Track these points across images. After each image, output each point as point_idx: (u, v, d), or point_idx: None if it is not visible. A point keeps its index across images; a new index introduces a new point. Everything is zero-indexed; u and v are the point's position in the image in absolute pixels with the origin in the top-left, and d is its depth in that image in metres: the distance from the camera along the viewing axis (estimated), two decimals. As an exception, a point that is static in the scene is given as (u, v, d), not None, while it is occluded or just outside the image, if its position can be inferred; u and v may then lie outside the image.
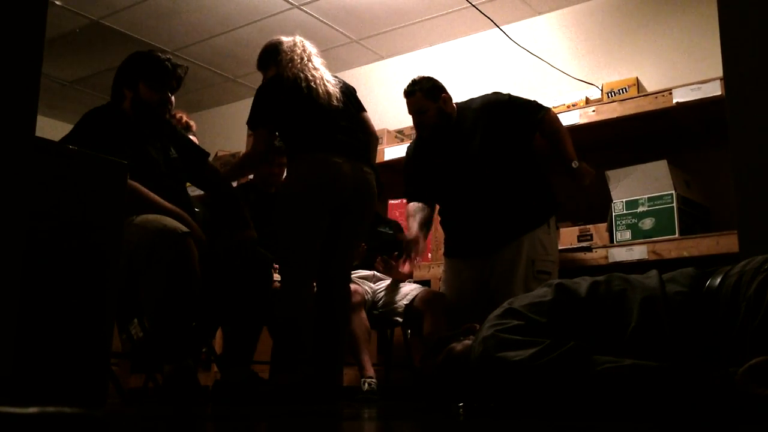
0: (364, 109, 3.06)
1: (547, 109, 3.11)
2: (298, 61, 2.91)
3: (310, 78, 2.87)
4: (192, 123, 3.81)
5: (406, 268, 3.54)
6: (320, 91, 2.85)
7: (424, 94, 3.11)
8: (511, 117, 3.08)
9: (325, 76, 2.93)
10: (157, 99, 2.66)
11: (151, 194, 2.49)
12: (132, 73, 2.67)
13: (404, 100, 3.18)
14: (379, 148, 4.20)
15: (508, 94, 3.16)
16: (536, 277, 2.91)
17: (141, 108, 2.66)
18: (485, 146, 3.05)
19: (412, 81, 3.17)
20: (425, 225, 3.23)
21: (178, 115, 3.60)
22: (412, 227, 3.18)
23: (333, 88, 2.90)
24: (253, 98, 2.98)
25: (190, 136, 3.36)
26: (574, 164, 2.99)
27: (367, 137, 2.99)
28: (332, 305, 2.81)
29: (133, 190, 2.42)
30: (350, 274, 2.98)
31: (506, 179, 3.03)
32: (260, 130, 2.91)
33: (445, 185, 3.17)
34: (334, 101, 2.86)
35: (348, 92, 3.00)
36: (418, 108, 3.12)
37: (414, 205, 3.26)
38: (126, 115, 2.64)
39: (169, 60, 2.71)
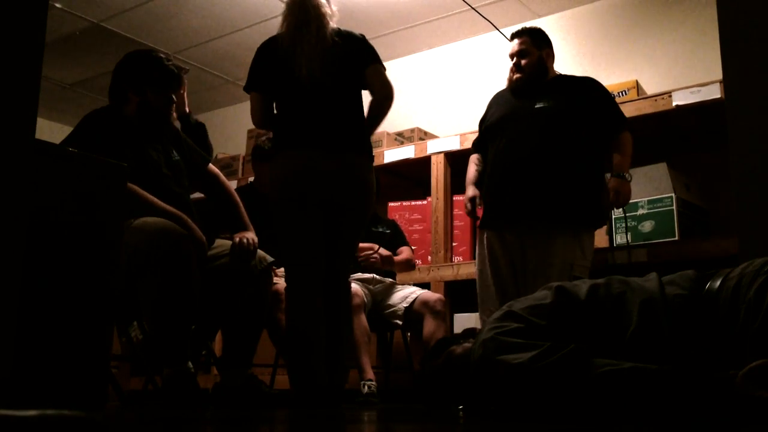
0: (373, 62, 2.71)
1: (625, 128, 3.01)
2: (292, 25, 2.70)
3: (298, 52, 2.65)
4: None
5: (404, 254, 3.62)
6: (304, 66, 2.63)
7: (531, 39, 3.10)
8: (598, 112, 2.99)
9: (321, 42, 2.65)
10: (164, 102, 2.68)
11: (150, 196, 2.49)
12: (138, 77, 2.66)
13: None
14: (378, 150, 4.21)
15: (606, 90, 3.09)
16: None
17: (149, 112, 2.67)
18: (568, 117, 2.94)
19: (523, 27, 3.19)
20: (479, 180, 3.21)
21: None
22: (469, 182, 3.20)
23: (321, 59, 2.64)
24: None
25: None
26: (624, 176, 2.92)
27: (374, 105, 2.74)
28: (334, 307, 2.73)
29: (132, 192, 2.42)
30: (349, 273, 2.84)
31: (570, 160, 2.90)
32: (251, 94, 2.79)
33: (506, 138, 3.01)
34: (318, 73, 2.63)
35: (347, 52, 2.69)
36: (522, 49, 3.08)
37: (475, 157, 3.27)
38: (126, 118, 2.63)
39: (170, 62, 2.72)
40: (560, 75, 3.17)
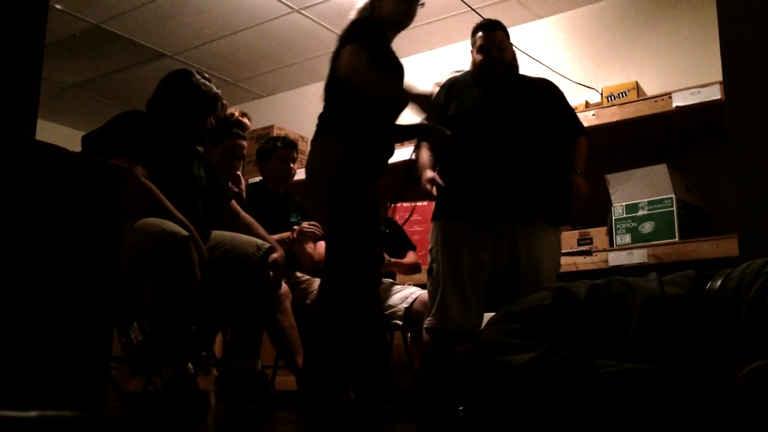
0: (346, 44, 2.58)
1: (583, 135, 2.99)
2: None
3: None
4: (245, 120, 3.66)
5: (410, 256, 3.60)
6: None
7: (504, 33, 3.00)
8: (560, 117, 2.97)
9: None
10: (200, 123, 2.78)
11: (164, 199, 2.52)
12: (177, 96, 2.73)
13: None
14: (378, 151, 4.20)
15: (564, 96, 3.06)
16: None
17: (195, 132, 2.77)
18: (543, 116, 2.89)
19: (490, 20, 3.03)
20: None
21: (230, 112, 3.47)
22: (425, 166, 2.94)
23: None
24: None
25: (241, 141, 3.43)
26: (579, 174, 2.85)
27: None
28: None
29: (149, 191, 2.47)
30: (342, 275, 2.53)
31: (551, 157, 2.86)
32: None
33: (489, 130, 2.85)
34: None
35: (340, 39, 2.65)
36: (500, 42, 2.95)
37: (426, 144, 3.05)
38: (158, 125, 2.69)
39: (210, 82, 2.82)
40: (522, 74, 3.09)
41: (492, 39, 2.96)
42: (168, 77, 2.80)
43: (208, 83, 2.78)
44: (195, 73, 2.79)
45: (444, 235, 2.86)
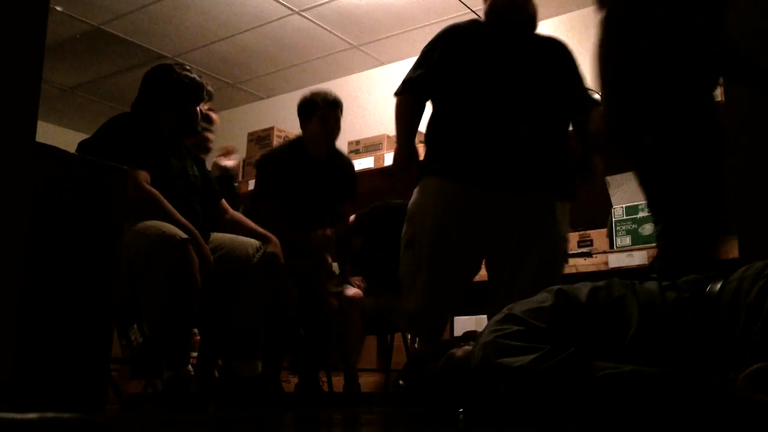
0: None
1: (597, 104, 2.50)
2: None
3: None
4: (212, 114, 3.56)
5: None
6: None
7: None
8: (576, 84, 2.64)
9: None
10: (190, 115, 2.77)
11: (168, 205, 2.52)
12: (164, 90, 2.72)
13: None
14: (379, 153, 4.21)
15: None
16: (566, 261, 2.53)
17: (186, 125, 2.76)
18: (562, 80, 2.59)
19: None
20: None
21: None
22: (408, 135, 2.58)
23: None
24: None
25: (208, 134, 3.41)
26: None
27: None
28: None
29: (154, 198, 2.47)
30: None
31: (561, 126, 2.58)
32: None
33: (507, 87, 2.48)
34: None
35: None
36: None
37: (413, 101, 2.59)
38: (151, 125, 2.67)
39: (193, 74, 2.81)
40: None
41: None
42: (149, 75, 2.78)
43: (190, 74, 2.77)
44: (174, 67, 2.79)
45: (436, 200, 2.47)
